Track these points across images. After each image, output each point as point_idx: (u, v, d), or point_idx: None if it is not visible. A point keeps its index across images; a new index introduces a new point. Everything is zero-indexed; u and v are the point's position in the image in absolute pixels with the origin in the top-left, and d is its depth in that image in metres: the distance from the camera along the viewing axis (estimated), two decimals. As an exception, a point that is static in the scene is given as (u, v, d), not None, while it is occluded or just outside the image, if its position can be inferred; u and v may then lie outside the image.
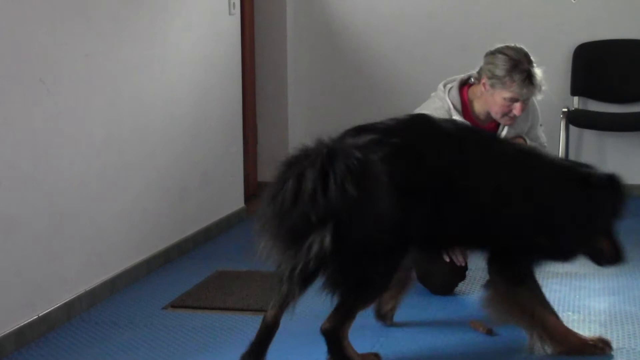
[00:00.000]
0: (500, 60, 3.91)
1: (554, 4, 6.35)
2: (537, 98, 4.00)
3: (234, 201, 5.77)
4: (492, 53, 3.96)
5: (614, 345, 3.56)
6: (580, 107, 6.32)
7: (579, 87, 6.32)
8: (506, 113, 3.97)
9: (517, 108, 3.95)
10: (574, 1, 6.30)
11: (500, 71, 3.90)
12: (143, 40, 4.59)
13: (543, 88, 3.96)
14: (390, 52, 6.59)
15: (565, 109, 6.14)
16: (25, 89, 3.67)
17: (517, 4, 6.39)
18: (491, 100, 3.98)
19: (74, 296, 4.01)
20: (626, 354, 3.51)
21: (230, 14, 5.57)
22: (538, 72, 3.90)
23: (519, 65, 3.87)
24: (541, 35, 6.33)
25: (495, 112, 3.99)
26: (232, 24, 5.63)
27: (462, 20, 6.41)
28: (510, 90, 3.89)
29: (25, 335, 3.68)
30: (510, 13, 6.37)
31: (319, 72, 6.74)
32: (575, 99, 6.32)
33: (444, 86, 4.12)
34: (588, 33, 6.31)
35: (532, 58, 3.92)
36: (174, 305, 4.14)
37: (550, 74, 6.33)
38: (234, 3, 5.61)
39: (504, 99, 3.92)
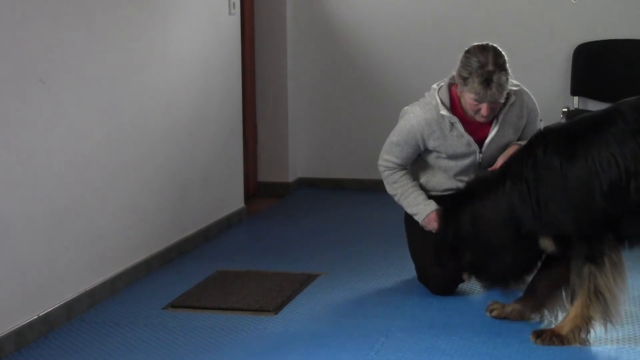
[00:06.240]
0: (468, 61, 3.93)
1: (554, 4, 6.35)
2: (500, 101, 3.98)
3: (234, 201, 5.77)
4: (466, 52, 3.98)
5: (614, 345, 3.56)
6: (580, 107, 6.32)
7: (579, 87, 6.32)
8: (476, 112, 4.00)
9: (483, 108, 3.97)
10: (574, 1, 6.30)
11: (464, 72, 3.93)
12: (143, 40, 4.59)
13: (508, 90, 3.97)
14: (391, 52, 6.59)
15: (565, 109, 6.13)
16: (25, 89, 3.67)
17: (517, 5, 6.39)
18: (463, 98, 4.01)
19: (74, 296, 4.01)
20: (626, 354, 3.50)
21: (230, 14, 5.57)
22: (502, 76, 3.88)
23: (481, 68, 3.87)
24: (541, 35, 6.33)
25: (469, 110, 4.03)
26: (232, 24, 5.63)
27: (462, 21, 6.40)
28: (471, 91, 3.92)
29: (25, 335, 3.68)
30: (511, 14, 6.36)
31: (319, 72, 6.73)
32: (575, 99, 6.32)
33: (437, 84, 4.15)
34: (588, 33, 6.30)
35: (501, 60, 3.90)
36: (174, 305, 4.14)
37: (550, 74, 6.44)
38: (234, 3, 5.61)
39: (470, 98, 3.95)
